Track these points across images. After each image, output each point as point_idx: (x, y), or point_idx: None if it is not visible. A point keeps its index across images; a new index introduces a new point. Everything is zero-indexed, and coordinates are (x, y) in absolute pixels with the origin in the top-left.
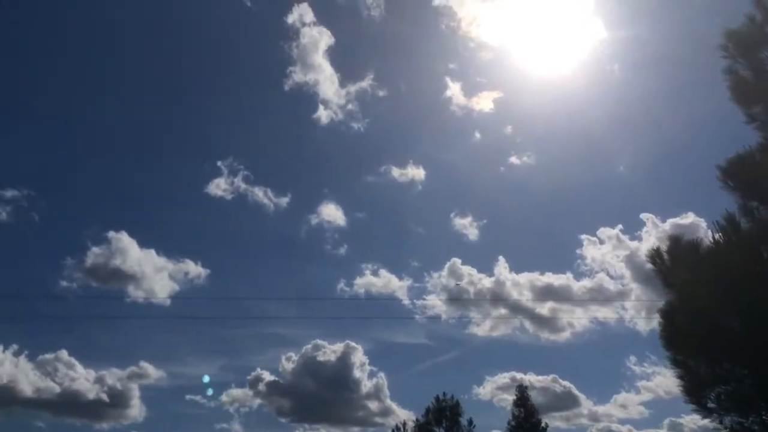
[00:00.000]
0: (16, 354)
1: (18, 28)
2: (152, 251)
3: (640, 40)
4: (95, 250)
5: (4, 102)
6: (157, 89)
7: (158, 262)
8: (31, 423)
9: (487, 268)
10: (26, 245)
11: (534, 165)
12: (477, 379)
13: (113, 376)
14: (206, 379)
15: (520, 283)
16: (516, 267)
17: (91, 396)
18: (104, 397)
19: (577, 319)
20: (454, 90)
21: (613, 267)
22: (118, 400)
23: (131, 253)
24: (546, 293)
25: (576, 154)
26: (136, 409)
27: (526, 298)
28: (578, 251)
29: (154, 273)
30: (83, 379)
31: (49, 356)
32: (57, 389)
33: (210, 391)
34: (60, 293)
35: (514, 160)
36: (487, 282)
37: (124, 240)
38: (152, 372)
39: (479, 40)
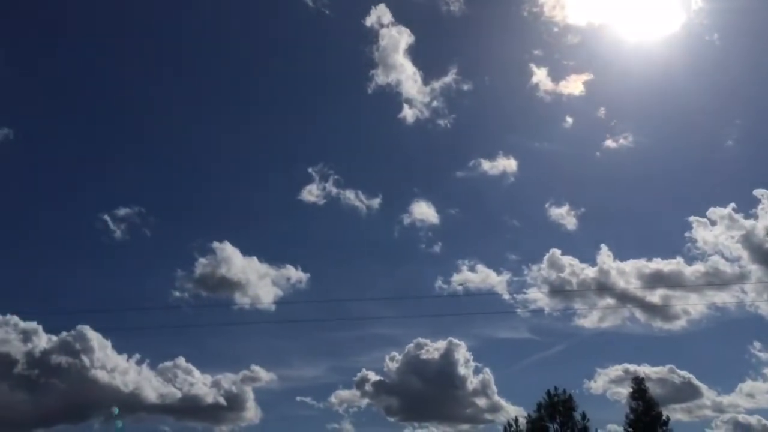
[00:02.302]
0: (139, 363)
1: (120, 58)
2: (254, 258)
3: (738, 8)
4: (202, 260)
5: (112, 128)
6: (246, 103)
7: (261, 268)
8: (157, 427)
9: (589, 258)
10: (141, 260)
11: (632, 147)
12: (587, 373)
13: (228, 380)
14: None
15: (625, 272)
16: (620, 255)
17: (209, 400)
18: (221, 400)
19: (693, 305)
20: (540, 76)
21: (728, 248)
22: (234, 403)
23: (235, 262)
24: (656, 280)
25: (678, 131)
26: (252, 412)
27: (634, 286)
28: (687, 234)
29: (258, 280)
30: (201, 384)
31: (168, 364)
32: (178, 394)
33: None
34: (174, 303)
35: (609, 143)
36: (590, 272)
37: (228, 249)
38: (263, 375)
39: (564, 23)
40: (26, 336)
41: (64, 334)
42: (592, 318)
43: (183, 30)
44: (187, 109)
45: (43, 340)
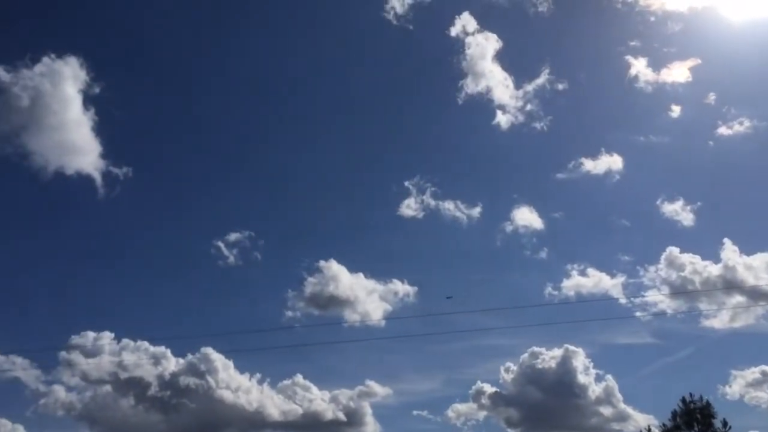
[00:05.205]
0: (260, 382)
1: (223, 92)
2: (360, 275)
3: None
4: (311, 279)
5: (218, 161)
6: (341, 125)
7: (368, 284)
8: None
9: (711, 254)
10: (253, 282)
11: (750, 132)
12: (721, 377)
13: (345, 396)
14: None
15: (754, 266)
16: (746, 248)
17: (329, 416)
18: (341, 416)
19: None
20: (638, 67)
21: None
22: (353, 418)
23: (342, 279)
24: None
25: None
26: (371, 426)
27: (765, 281)
28: None
29: (366, 296)
30: (319, 400)
31: (287, 382)
32: (299, 411)
33: None
34: (287, 323)
35: (723, 130)
36: (713, 269)
37: (334, 267)
38: (379, 390)
39: (663, 10)
40: (156, 360)
41: (189, 356)
42: (721, 318)
43: (282, 62)
44: (286, 137)
45: (172, 363)
